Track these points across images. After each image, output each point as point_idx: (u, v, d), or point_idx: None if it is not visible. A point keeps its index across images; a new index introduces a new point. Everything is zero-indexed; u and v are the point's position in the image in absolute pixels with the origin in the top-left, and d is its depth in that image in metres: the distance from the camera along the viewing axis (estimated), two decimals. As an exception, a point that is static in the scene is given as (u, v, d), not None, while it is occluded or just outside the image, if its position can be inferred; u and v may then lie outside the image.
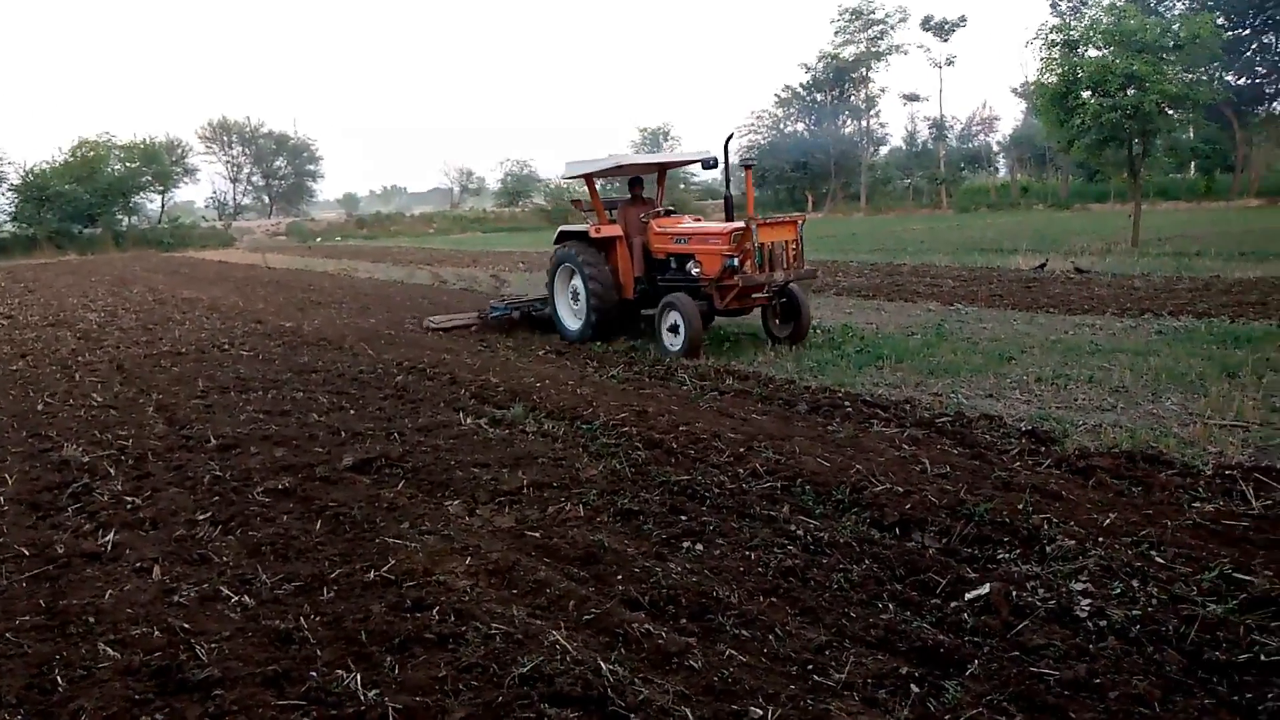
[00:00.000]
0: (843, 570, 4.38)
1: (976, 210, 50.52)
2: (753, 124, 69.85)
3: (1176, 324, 11.13)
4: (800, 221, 10.65)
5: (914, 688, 3.34)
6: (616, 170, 12.27)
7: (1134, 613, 3.77)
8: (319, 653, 3.80)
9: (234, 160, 79.17)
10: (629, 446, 6.60)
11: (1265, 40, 54.10)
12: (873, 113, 66.81)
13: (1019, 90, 62.89)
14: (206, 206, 77.66)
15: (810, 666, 3.53)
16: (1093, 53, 22.58)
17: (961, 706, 3.19)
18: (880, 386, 8.36)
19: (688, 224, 11.65)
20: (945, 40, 61.55)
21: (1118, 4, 24.07)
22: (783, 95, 69.19)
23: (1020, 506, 4.95)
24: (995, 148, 73.89)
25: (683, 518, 5.20)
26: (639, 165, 12.54)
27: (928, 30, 61.14)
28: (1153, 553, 4.35)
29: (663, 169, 12.70)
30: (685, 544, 4.83)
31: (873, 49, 63.33)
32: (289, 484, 6.06)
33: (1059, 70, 22.65)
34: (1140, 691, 3.19)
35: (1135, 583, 4.05)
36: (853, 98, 66.37)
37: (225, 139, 78.79)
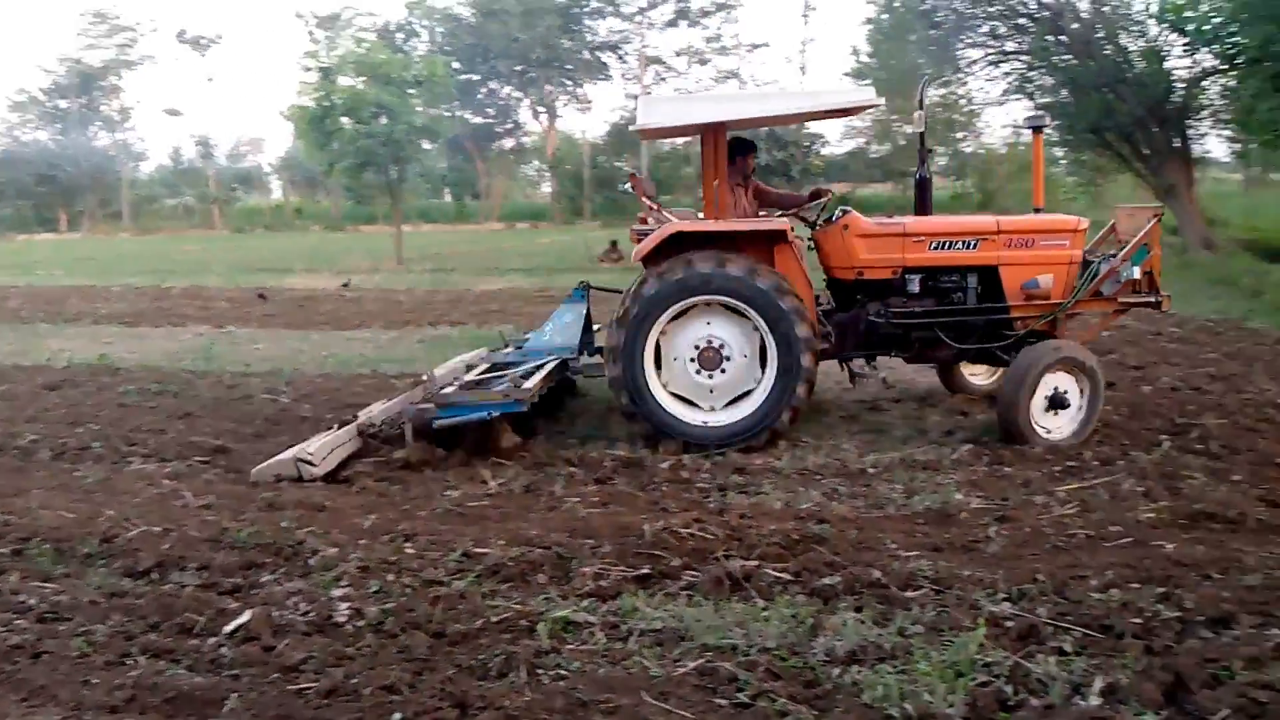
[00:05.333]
0: (85, 633, 3.84)
1: (253, 231, 49.76)
2: (-19, 129, 59.29)
3: (435, 333, 12.36)
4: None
5: (164, 744, 3.05)
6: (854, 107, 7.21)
7: (389, 605, 3.96)
8: None
9: None
10: None
11: (493, 86, 63.22)
12: (128, 125, 61.78)
13: (286, 113, 63.74)
14: None
15: (34, 757, 3.00)
16: (346, 81, 23.86)
17: (218, 748, 3.00)
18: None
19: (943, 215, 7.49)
20: (203, 56, 59.63)
21: (366, 38, 25.85)
22: (18, 99, 60.05)
23: (284, 525, 4.90)
24: (267, 169, 73.72)
25: None
26: None
27: (184, 44, 58.50)
28: (407, 545, 4.65)
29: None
30: None
31: (122, 56, 58.54)
32: None
33: (315, 95, 23.46)
34: (392, 681, 3.35)
35: (391, 576, 4.27)
36: (104, 107, 60.51)
37: None
